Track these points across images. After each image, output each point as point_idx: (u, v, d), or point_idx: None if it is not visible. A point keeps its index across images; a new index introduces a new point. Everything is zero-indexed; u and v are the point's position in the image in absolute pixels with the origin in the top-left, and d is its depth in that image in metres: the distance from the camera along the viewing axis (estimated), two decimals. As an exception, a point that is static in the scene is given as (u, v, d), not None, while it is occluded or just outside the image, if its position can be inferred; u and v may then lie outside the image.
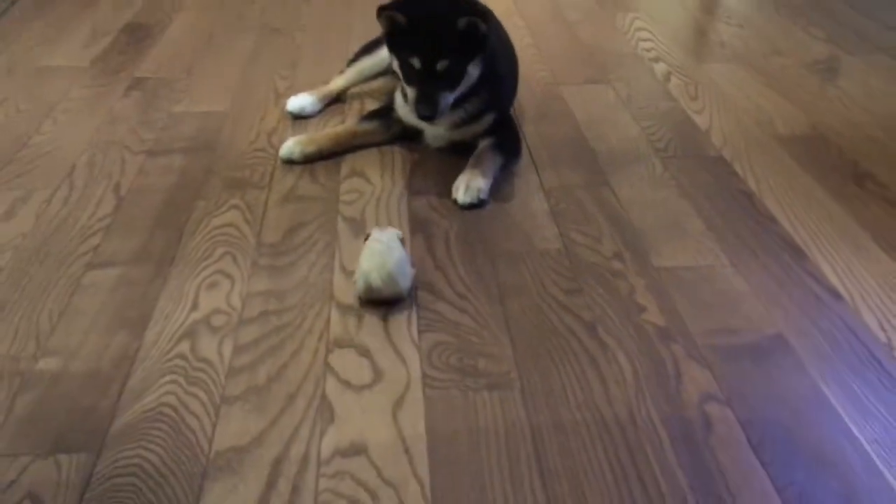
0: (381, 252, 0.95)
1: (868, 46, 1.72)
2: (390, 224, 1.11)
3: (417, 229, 1.11)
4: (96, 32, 1.77)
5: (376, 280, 0.93)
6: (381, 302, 0.95)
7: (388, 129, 1.32)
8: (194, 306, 0.95)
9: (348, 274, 1.01)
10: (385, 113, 1.33)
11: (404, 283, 0.95)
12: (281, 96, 1.49)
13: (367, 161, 1.27)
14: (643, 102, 1.47)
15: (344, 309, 0.95)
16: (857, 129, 1.37)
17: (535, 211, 1.15)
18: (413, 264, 1.00)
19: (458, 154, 1.28)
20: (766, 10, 1.94)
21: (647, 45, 1.73)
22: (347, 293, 0.97)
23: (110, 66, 1.60)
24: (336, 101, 1.47)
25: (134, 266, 1.02)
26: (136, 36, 1.75)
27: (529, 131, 1.37)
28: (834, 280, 1.00)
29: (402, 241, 1.00)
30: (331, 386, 0.84)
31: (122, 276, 1.00)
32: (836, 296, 0.97)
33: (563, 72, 1.60)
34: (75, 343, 0.89)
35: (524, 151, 1.30)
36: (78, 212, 1.12)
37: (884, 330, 0.92)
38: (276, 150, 1.29)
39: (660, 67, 1.62)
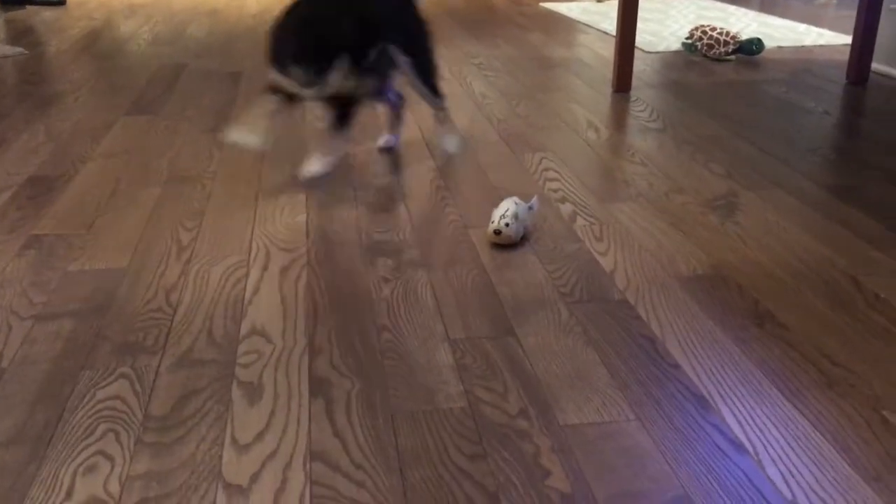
0: (509, 206, 1.48)
1: (764, 182, 1.79)
2: (289, 386, 1.07)
3: (317, 392, 1.07)
4: (-3, 186, 1.73)
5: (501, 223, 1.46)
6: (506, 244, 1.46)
7: None
8: (68, 495, 0.88)
9: (239, 448, 0.96)
10: None
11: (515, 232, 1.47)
12: (183, 249, 1.46)
13: (270, 316, 1.24)
14: (549, 244, 1.49)
15: (231, 490, 0.89)
16: (757, 267, 1.40)
17: (439, 365, 1.13)
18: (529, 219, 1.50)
19: (358, 305, 1.26)
20: (668, 147, 2.02)
21: (555, 185, 1.77)
22: (236, 471, 0.92)
23: (6, 224, 1.55)
24: None
25: (7, 450, 0.95)
26: (38, 189, 1.72)
27: (437, 278, 1.37)
28: (737, 430, 0.99)
29: (531, 208, 1.51)
30: (212, 582, 0.78)
31: (-7, 463, 0.93)
32: (741, 448, 0.96)
33: (473, 215, 1.62)
34: (-70, 546, 0.82)
35: (432, 300, 1.29)
36: (-49, 389, 1.06)
37: (787, 485, 0.90)
38: (174, 309, 1.26)
39: (566, 208, 1.65)
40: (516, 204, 1.49)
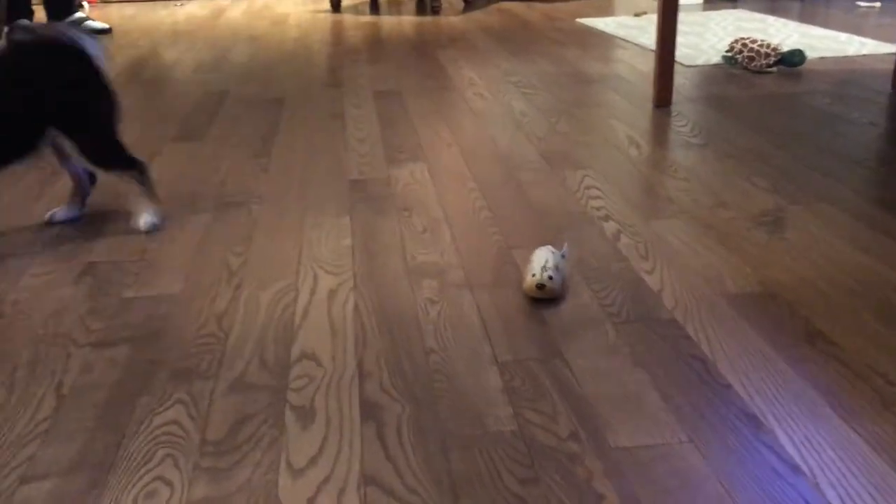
0: (547, 257, 1.38)
1: (810, 196, 1.77)
2: (341, 410, 1.08)
3: (368, 415, 1.08)
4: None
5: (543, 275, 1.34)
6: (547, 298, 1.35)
7: None
8: (130, 521, 0.90)
9: (294, 473, 0.97)
10: None
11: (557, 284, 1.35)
12: (233, 274, 1.49)
13: (319, 340, 1.26)
14: (594, 264, 1.49)
15: (288, 515, 0.91)
16: (806, 284, 1.39)
17: (488, 388, 1.13)
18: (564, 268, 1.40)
19: (405, 328, 1.28)
20: (710, 161, 2.01)
21: (597, 203, 1.77)
22: (293, 496, 0.94)
23: (63, 252, 1.60)
24: None
25: (70, 476, 0.97)
26: (91, 217, 1.76)
27: (483, 299, 1.37)
28: (792, 451, 0.98)
29: (563, 256, 1.43)
30: None
31: (56, 490, 0.95)
32: (796, 470, 0.95)
33: (516, 235, 1.62)
34: (0, 572, 0.84)
35: (478, 322, 1.30)
36: (15, 417, 1.09)
37: (847, 508, 0.89)
38: (226, 335, 1.28)
39: (609, 226, 1.65)
40: (553, 253, 1.39)
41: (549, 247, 1.42)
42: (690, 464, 0.97)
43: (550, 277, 1.34)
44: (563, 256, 1.42)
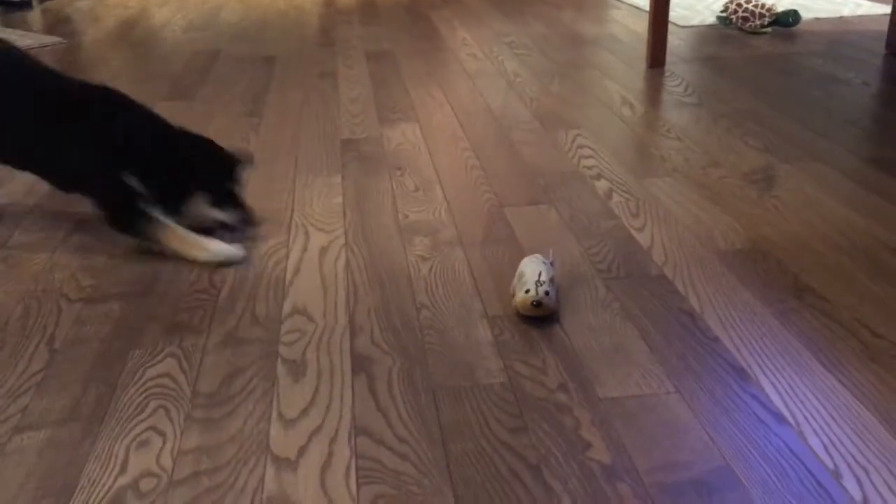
0: (540, 269, 1.22)
1: (802, 155, 1.77)
2: (332, 364, 1.09)
3: (360, 368, 1.09)
4: (42, 174, 1.77)
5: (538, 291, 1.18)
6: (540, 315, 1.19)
7: None
8: (122, 469, 0.91)
9: (286, 423, 0.98)
10: None
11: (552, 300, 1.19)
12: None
13: (311, 296, 1.26)
14: (585, 222, 1.49)
15: (280, 463, 0.92)
16: (795, 241, 1.39)
17: (478, 342, 1.14)
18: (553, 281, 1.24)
19: (397, 284, 1.28)
20: (704, 121, 2.00)
21: (589, 162, 1.77)
22: (284, 445, 0.95)
23: (53, 210, 1.59)
24: None
25: (63, 426, 0.98)
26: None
27: (474, 256, 1.38)
28: (778, 402, 0.99)
29: (552, 264, 1.29)
30: (264, 551, 0.81)
31: (51, 439, 0.96)
32: (781, 419, 0.96)
33: (508, 193, 1.62)
34: (-5, 518, 0.85)
35: (469, 278, 1.30)
36: (8, 370, 1.09)
37: (829, 455, 0.90)
38: (218, 290, 1.28)
39: (601, 185, 1.65)
40: (544, 264, 1.24)
41: (539, 256, 1.27)
42: (677, 414, 0.98)
43: (547, 293, 1.18)
44: (551, 264, 1.28)
